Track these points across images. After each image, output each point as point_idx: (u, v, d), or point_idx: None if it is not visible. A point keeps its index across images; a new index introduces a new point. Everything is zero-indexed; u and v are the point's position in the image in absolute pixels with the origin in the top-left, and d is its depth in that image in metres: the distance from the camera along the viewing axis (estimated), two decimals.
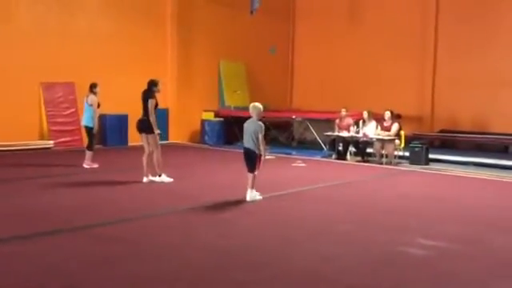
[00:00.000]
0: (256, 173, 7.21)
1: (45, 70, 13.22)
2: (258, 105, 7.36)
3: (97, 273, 4.25)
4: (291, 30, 20.19)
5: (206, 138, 16.01)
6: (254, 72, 18.36)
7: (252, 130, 7.17)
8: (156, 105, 8.48)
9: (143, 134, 8.57)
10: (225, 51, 17.42)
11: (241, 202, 7.14)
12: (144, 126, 8.49)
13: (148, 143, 8.54)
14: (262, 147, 7.19)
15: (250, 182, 7.19)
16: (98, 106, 10.21)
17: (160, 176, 8.53)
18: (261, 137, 7.16)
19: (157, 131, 8.51)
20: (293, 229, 5.86)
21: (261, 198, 7.26)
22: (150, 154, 8.52)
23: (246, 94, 17.94)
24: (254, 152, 7.17)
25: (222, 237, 5.45)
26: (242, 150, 7.37)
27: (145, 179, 8.49)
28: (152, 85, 8.53)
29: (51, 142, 13.18)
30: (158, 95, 8.59)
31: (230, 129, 16.04)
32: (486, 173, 10.84)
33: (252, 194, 7.20)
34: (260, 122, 7.27)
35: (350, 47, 17.99)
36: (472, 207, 7.38)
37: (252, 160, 7.19)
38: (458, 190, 9.02)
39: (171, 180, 8.55)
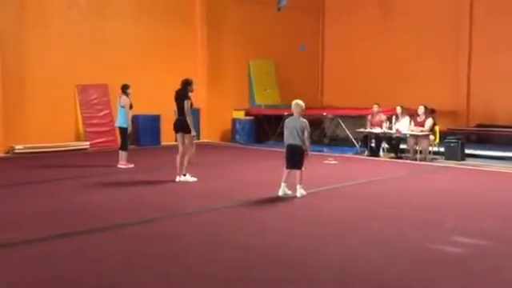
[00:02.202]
0: (303, 168, 7.26)
1: (79, 73, 13.55)
2: (301, 102, 7.45)
3: (131, 271, 4.34)
4: (321, 26, 20.01)
5: (237, 136, 16.07)
6: (284, 69, 18.30)
7: (298, 126, 7.25)
8: (191, 105, 8.58)
9: (180, 134, 8.67)
10: (254, 49, 17.43)
11: (273, 199, 7.16)
12: (181, 126, 8.59)
13: (183, 143, 8.63)
14: (307, 143, 7.24)
15: (297, 178, 7.27)
16: (131, 107, 10.38)
17: (185, 176, 8.60)
18: (307, 133, 7.23)
19: (193, 133, 8.60)
20: (324, 226, 5.84)
21: (305, 193, 7.31)
22: (184, 154, 8.61)
23: (276, 92, 17.91)
24: (301, 147, 7.22)
25: (253, 235, 5.48)
26: (286, 148, 7.42)
27: (178, 178, 8.60)
28: (186, 84, 8.63)
29: (87, 143, 13.50)
30: (190, 94, 8.67)
31: (260, 127, 16.04)
32: None
33: (301, 191, 7.29)
34: (304, 119, 7.31)
35: (381, 42, 17.70)
36: (510, 203, 7.17)
37: (298, 156, 7.24)
38: (495, 186, 8.77)
39: (195, 180, 8.60)
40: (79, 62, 13.51)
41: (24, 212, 6.50)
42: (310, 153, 7.50)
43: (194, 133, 8.61)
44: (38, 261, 4.60)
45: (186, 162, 8.56)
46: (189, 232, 5.59)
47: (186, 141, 8.58)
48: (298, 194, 7.28)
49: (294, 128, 7.26)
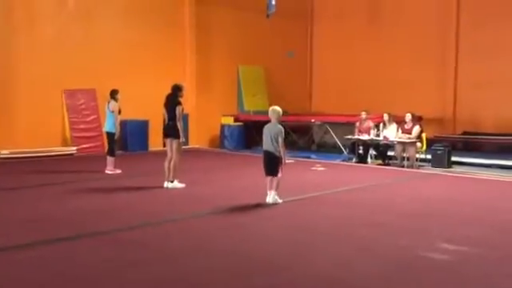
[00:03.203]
0: (279, 175, 7.24)
1: (67, 78, 13.46)
2: (277, 108, 7.43)
3: (119, 277, 4.31)
4: (309, 33, 20.13)
5: (226, 142, 16.06)
6: (272, 76, 18.36)
7: (272, 133, 7.24)
8: (182, 110, 8.53)
9: (169, 139, 8.60)
10: (243, 55, 17.48)
11: (260, 206, 7.15)
12: (170, 131, 8.54)
13: (172, 148, 8.57)
14: (282, 150, 7.23)
15: (273, 184, 7.24)
16: (120, 112, 10.34)
17: (172, 182, 8.55)
18: (281, 140, 7.21)
19: (182, 139, 8.56)
20: (311, 233, 5.84)
21: (281, 201, 7.27)
22: (172, 160, 8.57)
23: (265, 98, 17.95)
24: (274, 154, 7.21)
25: (241, 241, 5.47)
26: (263, 154, 7.41)
27: (165, 184, 8.55)
28: (176, 89, 8.57)
29: (74, 148, 13.39)
30: (181, 100, 8.62)
31: (249, 133, 16.05)
32: (510, 175, 10.63)
33: (274, 198, 7.24)
34: (280, 126, 7.32)
35: (369, 49, 17.85)
36: (496, 210, 7.25)
37: (273, 163, 7.23)
38: (481, 193, 8.86)
39: (183, 186, 8.57)
40: (67, 67, 13.43)
41: (11, 217, 6.42)
42: (286, 160, 7.41)
43: (182, 139, 8.57)
44: (26, 266, 4.55)
45: (172, 168, 8.53)
46: (175, 238, 5.57)
47: (174, 146, 8.54)
48: (271, 200, 7.20)
49: (269, 134, 7.27)
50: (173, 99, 8.51)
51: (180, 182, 8.59)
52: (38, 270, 4.49)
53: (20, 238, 5.43)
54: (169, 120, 8.55)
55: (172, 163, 8.51)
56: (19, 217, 6.46)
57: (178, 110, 8.41)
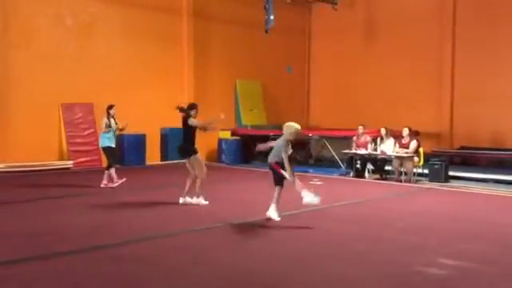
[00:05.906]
0: (278, 187, 7.12)
1: (64, 92, 13.47)
2: (291, 123, 7.27)
3: None
4: (307, 49, 20.26)
5: (223, 156, 16.03)
6: (270, 91, 18.41)
7: (277, 145, 7.20)
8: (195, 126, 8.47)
9: (186, 160, 8.50)
10: (241, 70, 17.54)
11: (257, 221, 7.11)
12: (181, 151, 8.52)
13: (193, 167, 8.43)
14: (285, 163, 7.07)
15: (274, 195, 7.15)
16: (109, 125, 10.42)
17: (198, 198, 8.37)
18: (284, 154, 7.05)
19: (197, 155, 8.45)
20: (309, 247, 5.80)
21: (278, 219, 7.20)
22: (195, 177, 8.39)
23: (262, 113, 17.98)
24: (273, 165, 7.15)
25: (238, 256, 5.42)
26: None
27: (181, 200, 8.37)
28: (188, 108, 8.61)
29: (70, 162, 13.35)
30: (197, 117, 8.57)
31: (246, 147, 16.04)
32: (506, 190, 10.61)
33: (273, 213, 7.14)
34: (284, 140, 7.17)
35: (366, 65, 17.95)
36: (493, 225, 7.22)
37: (273, 172, 7.17)
38: (478, 208, 8.84)
39: (207, 203, 8.36)
40: (64, 81, 13.45)
41: (4, 231, 6.35)
42: (286, 175, 7.24)
43: (197, 155, 8.43)
44: (16, 284, 4.47)
45: (198, 186, 8.33)
46: (172, 254, 5.51)
47: (193, 164, 8.38)
48: (268, 213, 7.13)
49: (275, 147, 7.25)
50: (185, 118, 8.46)
51: (205, 199, 8.38)
52: (28, 285, 4.41)
53: (10, 254, 5.34)
54: (182, 142, 8.52)
55: (198, 181, 8.34)
56: (13, 231, 6.39)
57: (191, 121, 8.35)
